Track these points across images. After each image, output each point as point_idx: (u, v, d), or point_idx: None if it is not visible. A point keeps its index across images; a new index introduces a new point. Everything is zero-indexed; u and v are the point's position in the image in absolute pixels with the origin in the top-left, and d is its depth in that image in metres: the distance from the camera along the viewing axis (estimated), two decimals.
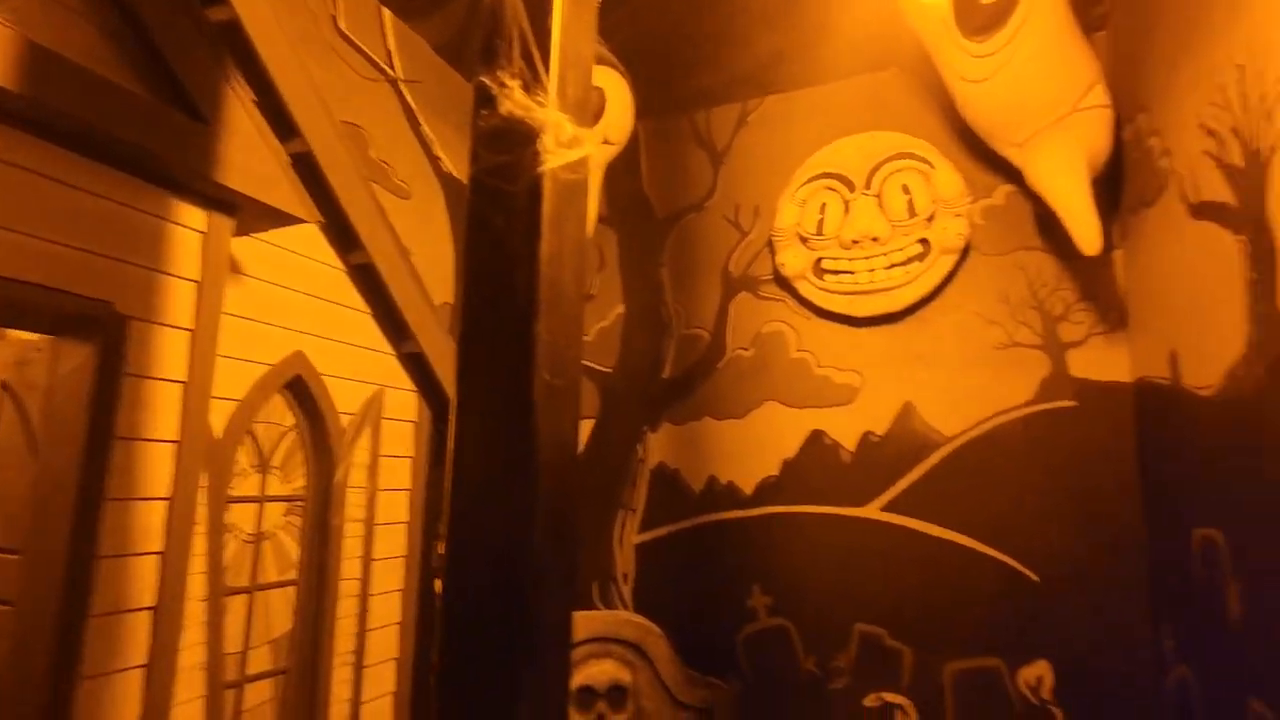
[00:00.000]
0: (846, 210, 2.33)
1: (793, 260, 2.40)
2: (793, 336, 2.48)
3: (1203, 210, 1.51)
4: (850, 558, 2.29)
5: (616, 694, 1.97)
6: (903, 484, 2.26)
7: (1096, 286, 2.12)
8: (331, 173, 1.79)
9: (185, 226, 1.35)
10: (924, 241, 2.23)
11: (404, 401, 2.23)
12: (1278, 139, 1.19)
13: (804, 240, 2.40)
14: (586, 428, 2.81)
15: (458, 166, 2.62)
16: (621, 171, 2.74)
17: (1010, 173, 2.19)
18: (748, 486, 2.48)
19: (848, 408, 2.37)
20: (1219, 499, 1.50)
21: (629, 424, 2.72)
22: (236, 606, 1.73)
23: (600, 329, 2.83)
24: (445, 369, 2.26)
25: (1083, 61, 1.86)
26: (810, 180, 2.42)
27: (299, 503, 1.92)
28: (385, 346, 2.16)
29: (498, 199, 0.85)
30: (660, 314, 2.74)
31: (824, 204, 2.36)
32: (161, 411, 1.31)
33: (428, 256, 2.40)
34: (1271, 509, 1.28)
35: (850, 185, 2.34)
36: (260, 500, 1.79)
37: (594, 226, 2.68)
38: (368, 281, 2.04)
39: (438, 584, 2.47)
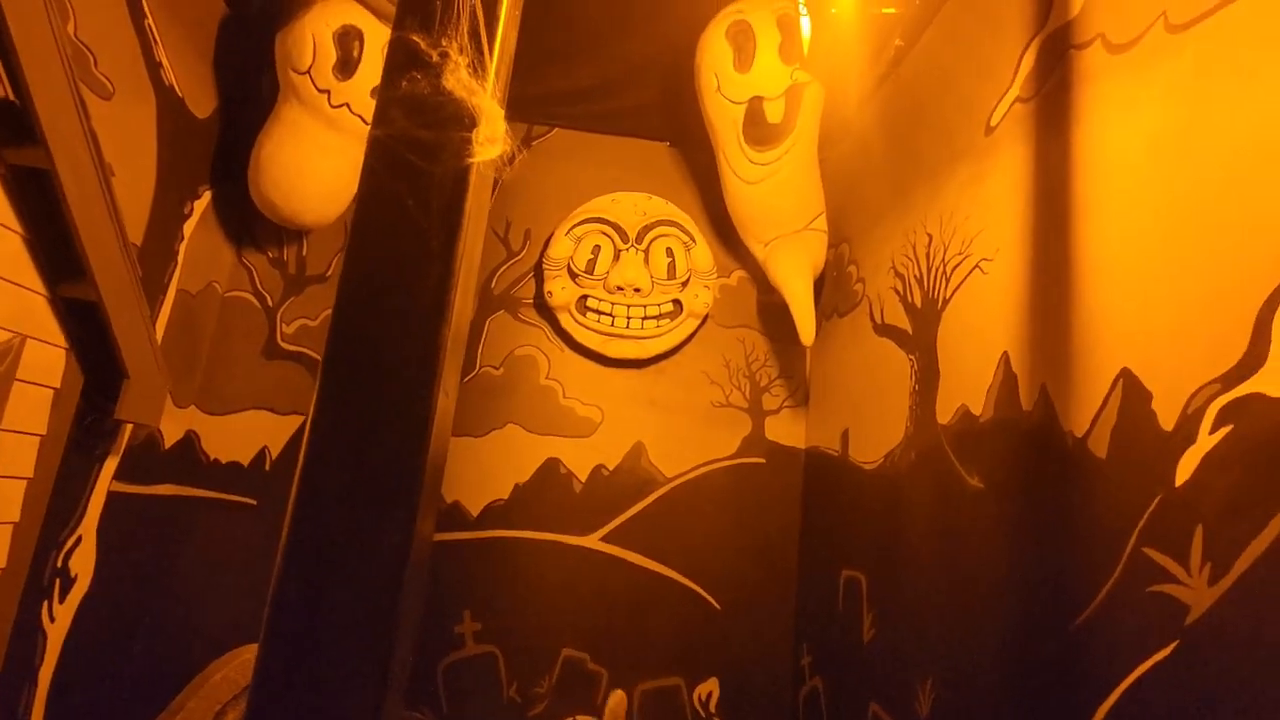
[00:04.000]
0: (616, 258, 2.48)
1: (560, 291, 2.46)
2: (544, 363, 2.52)
3: (885, 330, 2.00)
4: (566, 585, 2.37)
5: None
6: (623, 517, 2.43)
7: (792, 368, 2.62)
8: (16, 25, 1.29)
9: None
10: (676, 302, 2.50)
11: (47, 360, 1.66)
12: (950, 294, 1.66)
13: (574, 276, 2.48)
14: (292, 424, 2.43)
15: (182, 80, 2.10)
16: None
17: (747, 263, 2.60)
18: (474, 508, 2.40)
19: (586, 440, 2.48)
20: (866, 547, 1.95)
21: None
22: None
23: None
24: (125, 326, 1.75)
25: (817, 193, 2.33)
26: (587, 221, 2.52)
27: None
28: (36, 283, 1.59)
29: (412, 177, 0.74)
30: None
31: (597, 246, 2.48)
32: None
33: (123, 182, 1.85)
34: (903, 557, 1.72)
35: (624, 236, 2.51)
36: None
37: (344, 207, 2.38)
38: (36, 193, 1.49)
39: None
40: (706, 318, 2.56)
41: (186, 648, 2.15)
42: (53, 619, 1.88)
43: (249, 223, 2.47)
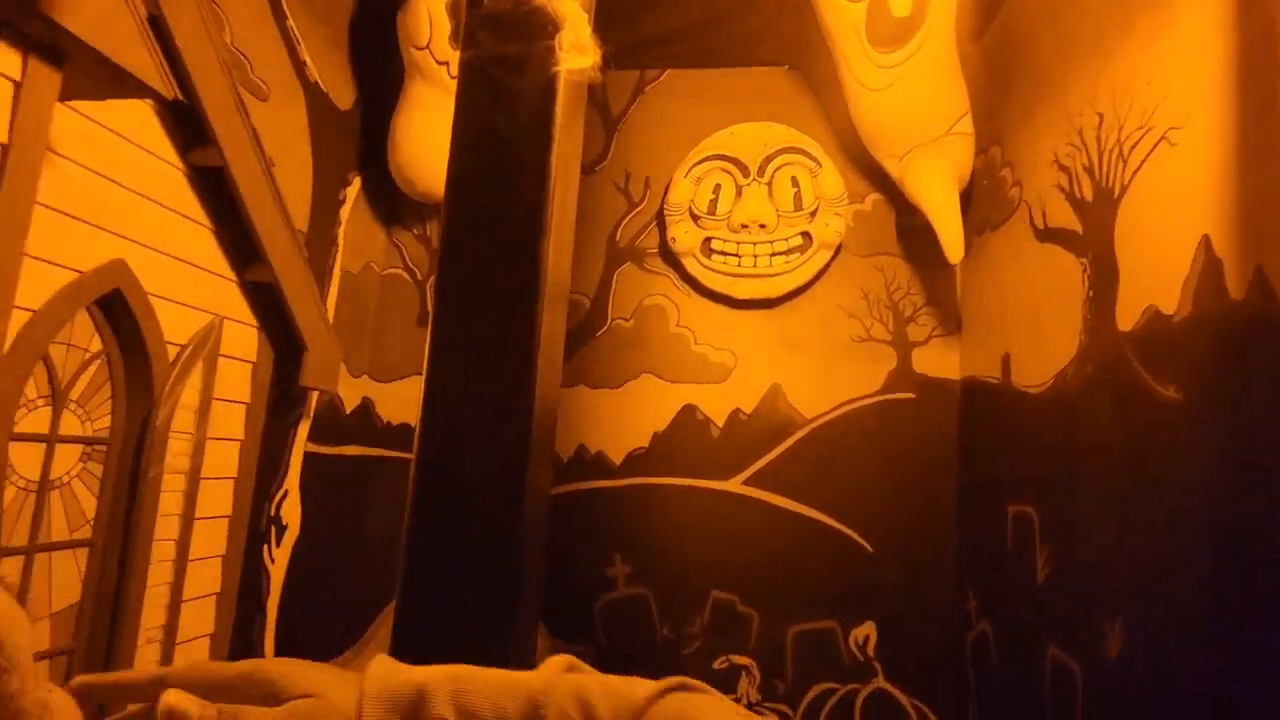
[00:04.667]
0: (739, 195, 2.39)
1: (684, 236, 2.43)
2: (673, 312, 2.51)
3: (1049, 235, 1.76)
4: (710, 529, 2.38)
5: None
6: (764, 460, 2.39)
7: (939, 294, 2.40)
8: (184, 40, 1.46)
9: None
10: (806, 235, 2.37)
11: (243, 337, 1.91)
12: (1129, 179, 1.42)
13: (696, 218, 2.43)
14: None
15: (324, 75, 2.29)
16: None
17: (881, 183, 2.40)
18: (617, 457, 2.47)
19: (720, 385, 2.45)
20: (1036, 480, 1.76)
21: None
22: (9, 570, 1.36)
23: None
24: (301, 304, 1.97)
25: (958, 91, 2.08)
26: (706, 159, 2.45)
27: (101, 446, 1.56)
28: (226, 270, 1.83)
29: (500, 94, 0.74)
30: None
31: (718, 185, 2.41)
32: None
33: (284, 175, 2.07)
34: (1081, 487, 1.53)
35: (745, 170, 2.41)
36: (50, 440, 1.43)
37: None
38: (214, 189, 1.71)
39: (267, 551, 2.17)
40: (840, 248, 2.40)
41: (376, 583, 2.44)
42: (272, 560, 2.20)
43: (394, 204, 2.67)
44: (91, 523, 1.56)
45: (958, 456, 2.30)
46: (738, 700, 2.28)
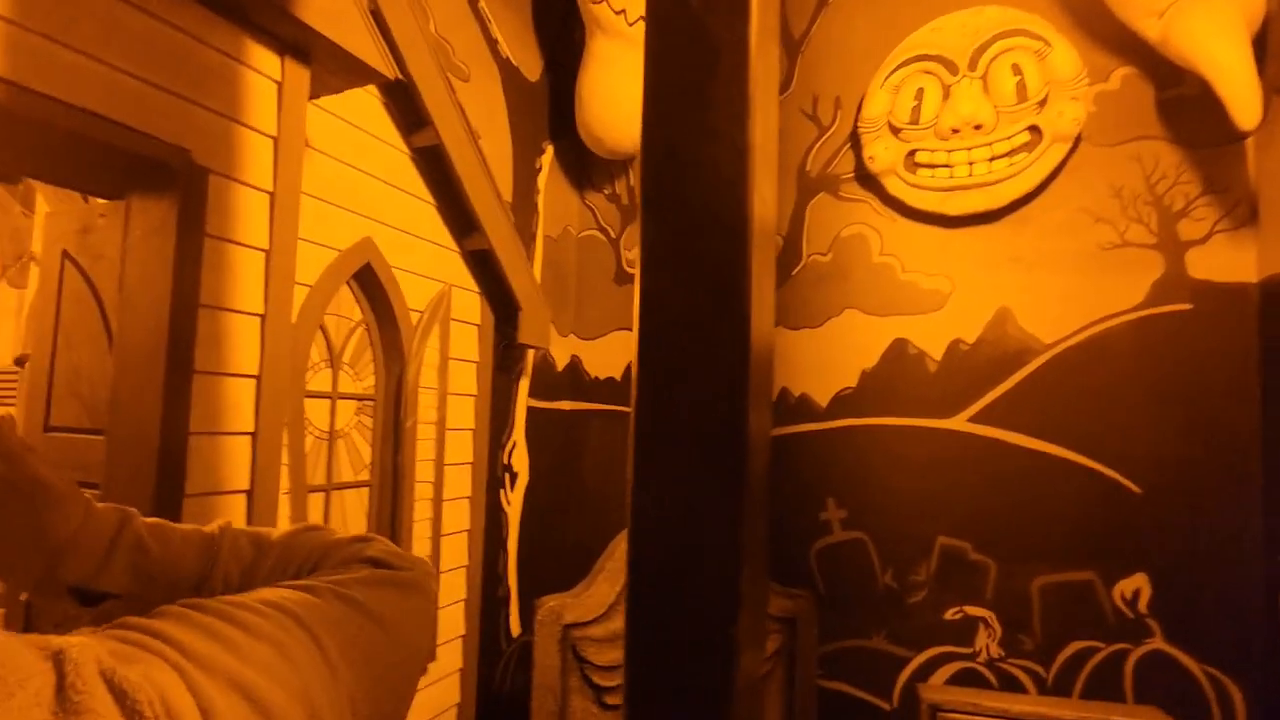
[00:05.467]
0: (946, 96, 2.12)
1: (882, 153, 2.22)
2: (875, 240, 2.32)
3: None
4: (933, 471, 2.19)
5: None
6: (994, 394, 2.14)
7: (1224, 177, 1.93)
8: (399, 31, 1.61)
9: (260, 73, 1.20)
10: (1034, 129, 2.04)
11: (468, 303, 2.11)
12: None
13: (895, 131, 2.20)
14: None
15: (513, 50, 2.42)
16: None
17: (1133, 52, 1.98)
18: (823, 399, 2.37)
19: (935, 315, 2.23)
20: None
21: None
22: (314, 505, 1.65)
23: None
24: (513, 269, 2.13)
25: None
26: (905, 64, 2.20)
27: (369, 402, 1.82)
28: (449, 242, 2.02)
29: (690, 21, 0.69)
30: None
31: (920, 89, 2.15)
32: (244, 281, 1.19)
33: (487, 149, 2.23)
34: None
35: (952, 68, 2.13)
36: (332, 397, 1.70)
37: None
38: (433, 167, 1.88)
39: (504, 495, 2.41)
40: (1078, 140, 2.03)
41: (595, 524, 2.61)
42: (509, 503, 2.44)
43: (585, 167, 2.77)
44: (369, 466, 1.83)
45: (1257, 377, 1.87)
46: (975, 655, 2.10)
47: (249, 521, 1.22)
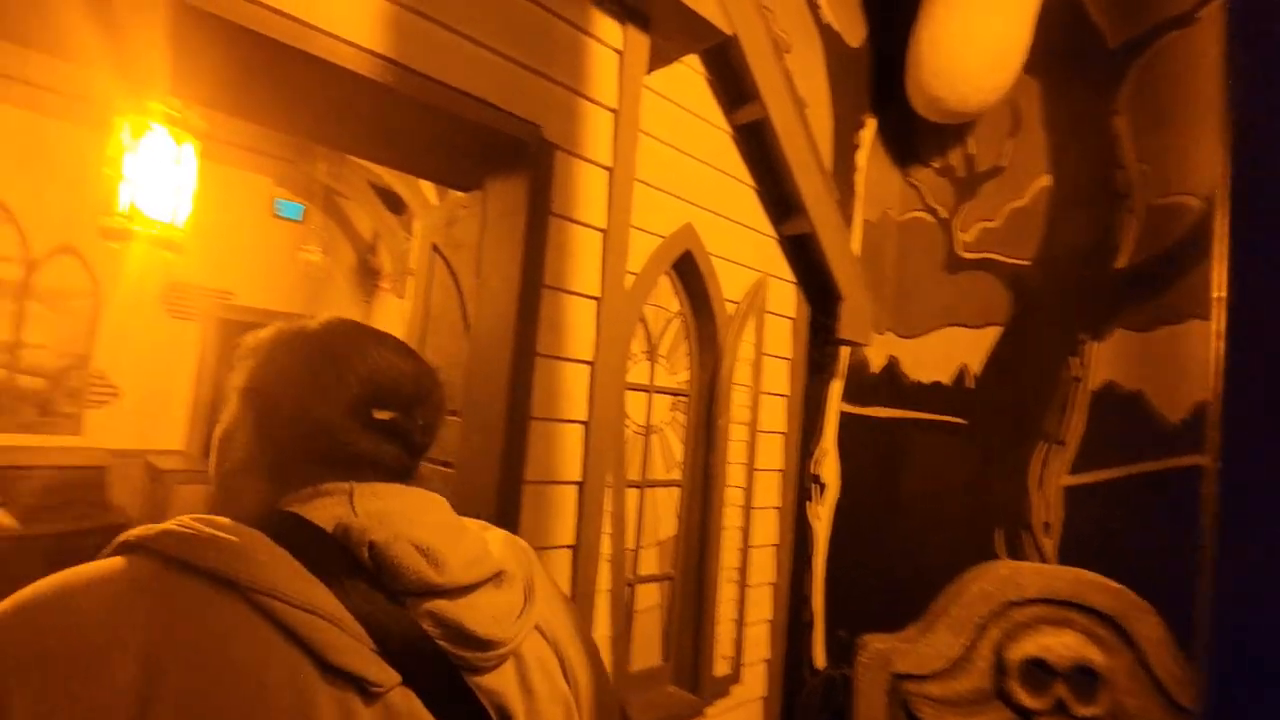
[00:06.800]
0: None
1: None
2: None
3: None
4: None
5: (1082, 678, 1.45)
6: None
7: None
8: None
9: (603, 42, 1.13)
10: None
11: (782, 293, 1.91)
12: None
13: None
14: (988, 337, 2.22)
15: (835, 14, 2.17)
16: None
17: None
18: None
19: None
20: None
21: (1056, 331, 2.06)
22: (630, 500, 1.60)
23: (1013, 210, 2.19)
24: (835, 253, 1.88)
25: None
26: None
27: (683, 398, 1.73)
28: (767, 227, 1.85)
29: None
30: (1111, 181, 2.00)
31: None
32: (582, 263, 1.13)
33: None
34: None
35: None
36: (649, 390, 1.63)
37: (1014, 75, 2.02)
38: (755, 145, 1.72)
39: (811, 507, 2.18)
40: None
41: (912, 552, 2.22)
42: (817, 517, 2.19)
43: (910, 140, 2.40)
44: (679, 465, 1.74)
45: None
46: None
47: (578, 516, 1.16)
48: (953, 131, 2.32)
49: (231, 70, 0.84)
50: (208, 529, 0.47)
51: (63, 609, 0.42)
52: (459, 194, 1.29)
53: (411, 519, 0.52)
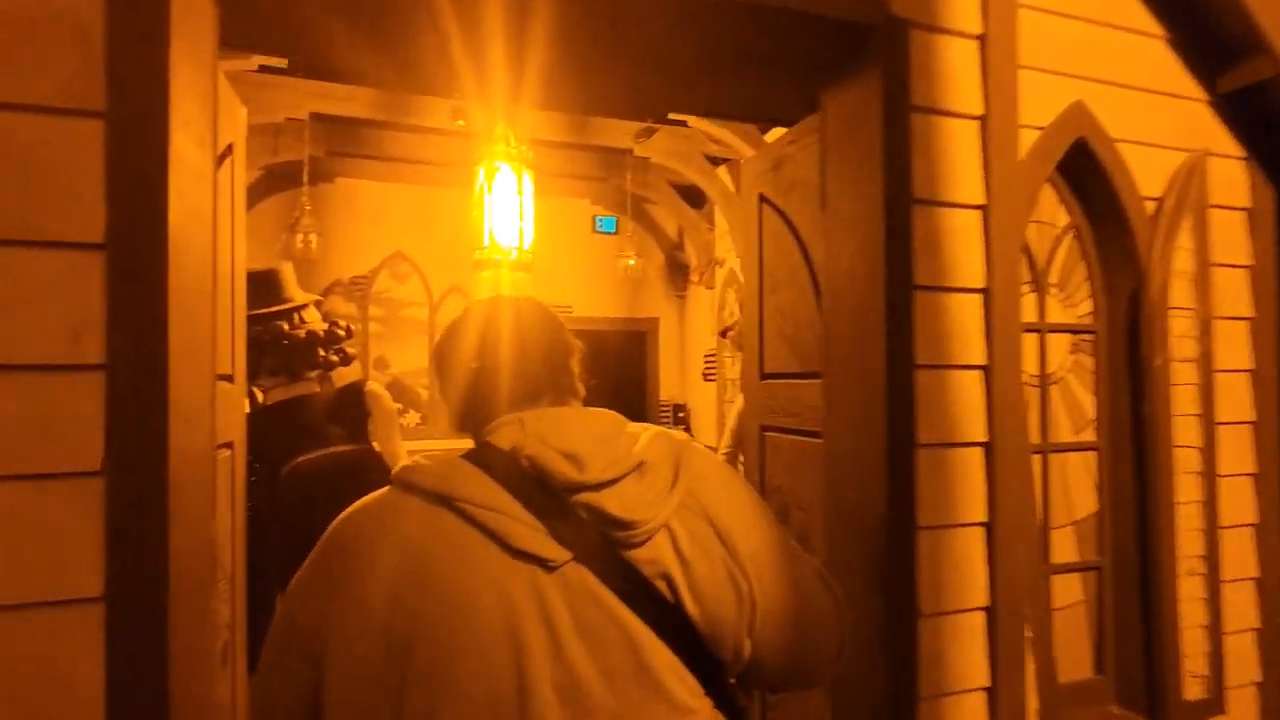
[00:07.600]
0: None
1: None
2: None
3: None
4: None
5: None
6: None
7: None
8: None
9: None
10: None
11: (1229, 176, 1.37)
12: None
13: None
14: None
15: None
16: None
17: None
18: None
19: None
20: None
21: None
22: (1034, 468, 1.27)
23: None
24: None
25: None
26: None
27: (1087, 335, 1.33)
28: (1193, 89, 1.34)
29: None
30: None
31: None
32: (958, 163, 0.89)
33: None
34: None
35: None
36: (1041, 329, 1.28)
37: None
38: None
39: None
40: None
41: None
42: None
43: None
44: (1092, 423, 1.34)
45: None
46: None
47: (988, 485, 0.92)
48: None
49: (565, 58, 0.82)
50: (426, 463, 0.65)
51: (354, 520, 0.66)
52: (778, 138, 1.14)
53: (564, 433, 0.66)
